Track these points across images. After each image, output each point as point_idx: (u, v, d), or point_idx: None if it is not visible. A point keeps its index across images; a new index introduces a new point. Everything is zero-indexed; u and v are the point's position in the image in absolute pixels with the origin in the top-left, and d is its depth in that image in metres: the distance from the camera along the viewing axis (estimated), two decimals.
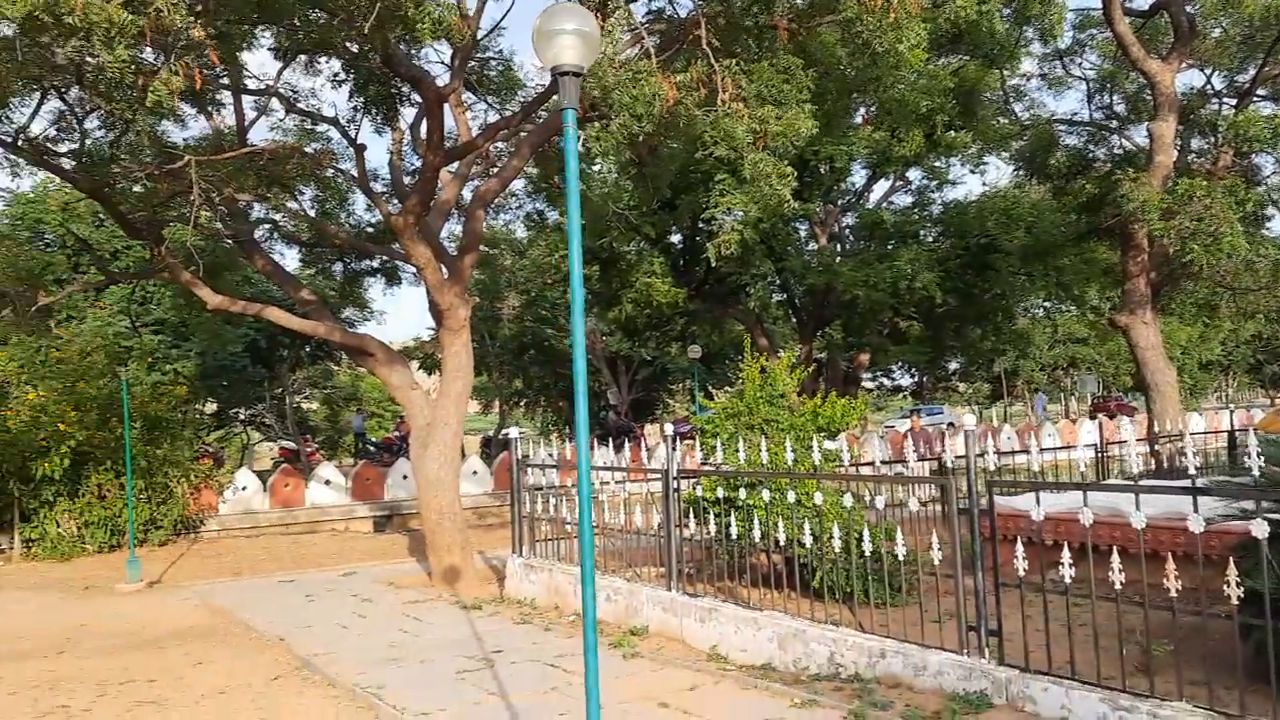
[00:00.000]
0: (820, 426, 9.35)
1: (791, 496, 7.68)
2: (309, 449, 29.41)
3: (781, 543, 7.74)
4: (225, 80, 12.64)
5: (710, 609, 7.98)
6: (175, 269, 13.37)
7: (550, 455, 11.09)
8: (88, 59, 10.15)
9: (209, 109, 13.52)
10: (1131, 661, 5.70)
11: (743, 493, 8.16)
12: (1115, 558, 5.52)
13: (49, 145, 12.55)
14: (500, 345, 31.28)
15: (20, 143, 11.89)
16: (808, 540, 7.42)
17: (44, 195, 23.15)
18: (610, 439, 14.73)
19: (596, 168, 21.09)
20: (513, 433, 11.84)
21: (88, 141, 12.66)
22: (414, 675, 7.68)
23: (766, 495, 7.92)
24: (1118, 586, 5.45)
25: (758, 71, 10.31)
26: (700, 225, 21.34)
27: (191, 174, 10.31)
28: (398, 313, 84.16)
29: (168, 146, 13.31)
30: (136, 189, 13.45)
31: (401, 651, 8.56)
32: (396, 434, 30.41)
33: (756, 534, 7.92)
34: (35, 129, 12.20)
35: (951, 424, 36.13)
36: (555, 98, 12.08)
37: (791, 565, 8.08)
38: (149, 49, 9.60)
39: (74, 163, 12.59)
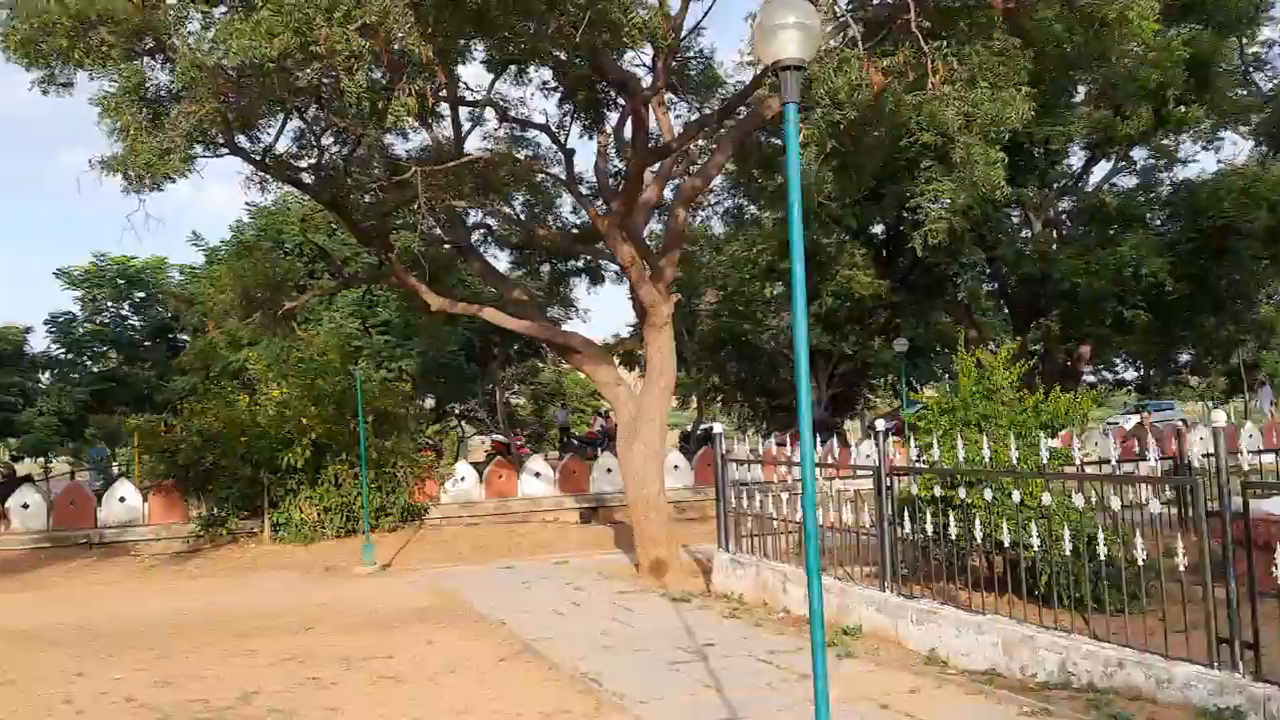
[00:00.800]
0: (1043, 423, 8.90)
1: (1016, 496, 7.35)
2: (518, 442, 30.72)
3: (1006, 544, 7.41)
4: (443, 94, 13.40)
5: (928, 611, 7.76)
6: (402, 273, 14.30)
7: (753, 451, 11.10)
8: (323, 81, 11.04)
9: (429, 122, 14.36)
10: None
11: (962, 491, 7.88)
12: None
13: (291, 161, 13.70)
14: (697, 341, 31.52)
15: (267, 160, 13.05)
16: (1034, 542, 7.09)
17: (284, 208, 25.27)
18: (817, 435, 14.50)
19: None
20: (716, 428, 11.92)
21: (324, 157, 13.75)
22: (629, 663, 7.89)
23: (989, 494, 7.62)
24: None
25: (971, 54, 9.92)
26: (905, 214, 20.74)
27: (417, 184, 10.98)
28: (600, 310, 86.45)
29: (393, 159, 14.26)
30: (366, 199, 14.46)
31: (615, 640, 8.81)
32: (599, 428, 31.30)
33: (978, 534, 7.63)
34: (279, 147, 13.37)
35: (1184, 420, 33.45)
36: (757, 93, 12.08)
37: (1014, 568, 7.73)
38: (379, 69, 10.33)
39: (313, 177, 13.70)
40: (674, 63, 13.79)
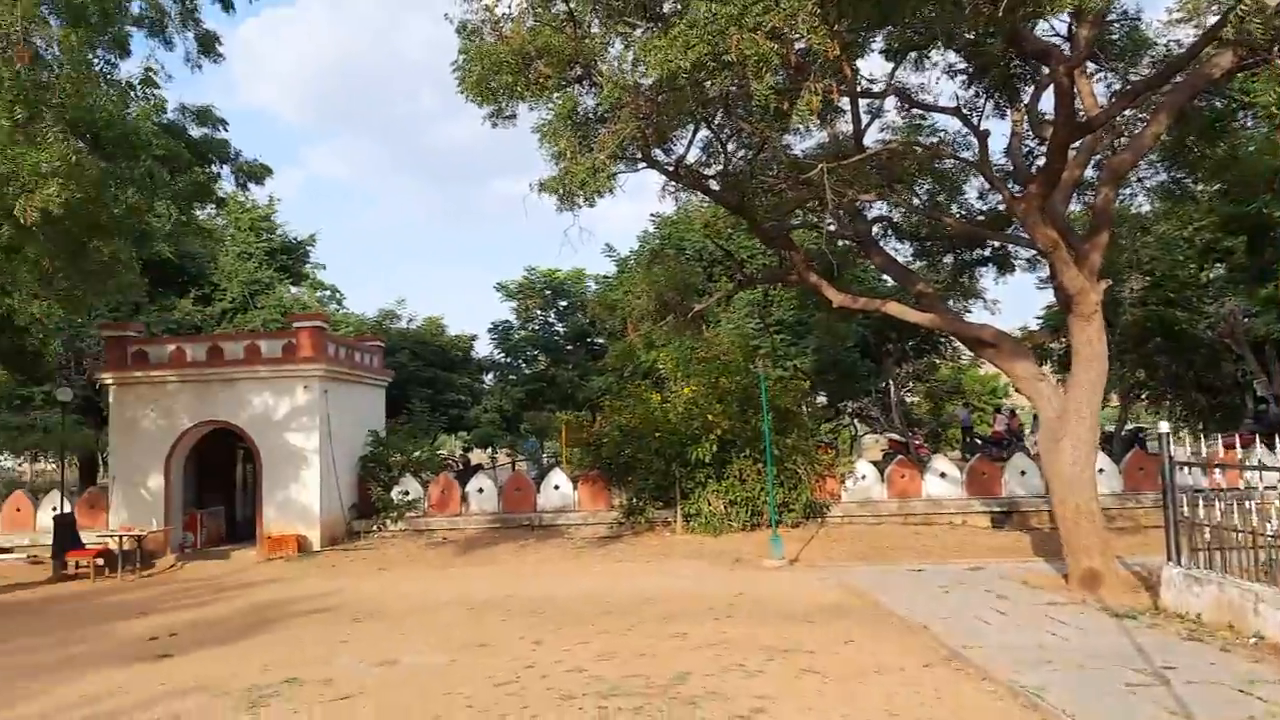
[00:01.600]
0: None
1: None
2: (916, 442, 29.80)
3: None
4: (843, 88, 13.30)
5: None
6: (804, 271, 14.41)
7: (1194, 453, 9.80)
8: (731, 89, 11.41)
9: (829, 118, 14.33)
10: None
11: None
12: None
13: (700, 170, 14.32)
14: (1120, 332, 28.52)
15: (679, 170, 13.75)
16: None
17: (685, 216, 26.53)
18: (1274, 435, 12.56)
19: (1239, 122, 18.14)
20: (1162, 427, 10.67)
21: (730, 163, 14.21)
22: (1074, 681, 7.24)
23: None
24: None
25: None
26: None
27: (824, 181, 10.98)
28: (1003, 301, 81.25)
29: (793, 159, 14.40)
30: (769, 200, 14.74)
31: (1053, 655, 8.15)
32: (1004, 428, 29.45)
33: None
34: (689, 158, 14.03)
35: None
36: (1204, 51, 10.65)
37: None
38: (783, 71, 10.48)
39: (719, 183, 14.22)
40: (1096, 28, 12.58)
